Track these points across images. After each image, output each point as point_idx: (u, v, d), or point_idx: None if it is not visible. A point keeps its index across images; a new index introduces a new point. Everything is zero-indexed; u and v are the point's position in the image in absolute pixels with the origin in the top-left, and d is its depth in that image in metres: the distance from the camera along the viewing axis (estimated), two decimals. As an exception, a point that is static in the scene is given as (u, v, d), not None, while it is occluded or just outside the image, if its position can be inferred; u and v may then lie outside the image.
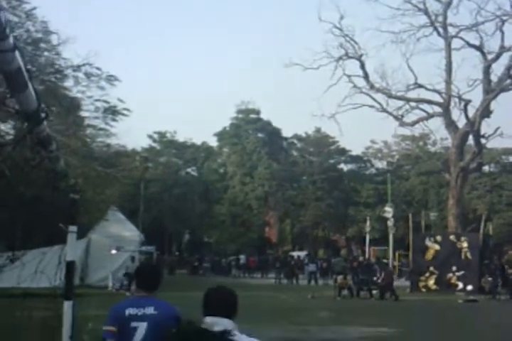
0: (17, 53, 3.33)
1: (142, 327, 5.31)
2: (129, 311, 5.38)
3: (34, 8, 29.10)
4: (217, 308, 4.37)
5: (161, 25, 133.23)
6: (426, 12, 48.39)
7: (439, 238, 38.70)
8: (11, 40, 3.18)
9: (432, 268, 37.44)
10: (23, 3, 28.78)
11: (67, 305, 6.91)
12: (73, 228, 7.22)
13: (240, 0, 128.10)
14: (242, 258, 58.34)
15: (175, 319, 5.33)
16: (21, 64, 3.48)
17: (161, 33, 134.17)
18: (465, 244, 37.36)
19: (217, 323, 4.26)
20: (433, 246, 38.10)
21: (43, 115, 4.31)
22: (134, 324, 5.32)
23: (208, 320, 4.32)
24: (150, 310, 5.37)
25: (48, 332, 7.45)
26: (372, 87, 50.22)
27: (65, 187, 7.06)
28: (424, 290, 37.17)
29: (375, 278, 34.89)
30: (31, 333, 8.54)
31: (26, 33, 28.82)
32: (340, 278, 34.59)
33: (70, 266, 7.05)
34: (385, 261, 47.36)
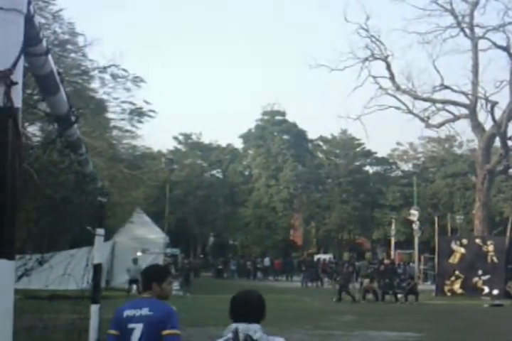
0: (49, 57, 3.32)
1: (138, 329, 5.38)
2: (127, 313, 5.48)
3: (61, 10, 29.22)
4: (245, 313, 4.34)
5: (187, 26, 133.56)
6: (452, 12, 48.11)
7: (464, 241, 38.26)
8: (44, 43, 3.17)
9: (457, 272, 37.05)
10: (50, 4, 28.89)
11: (94, 308, 6.92)
12: (101, 231, 7.23)
13: (264, 0, 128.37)
14: (266, 260, 58.30)
15: (171, 318, 5.38)
16: (53, 67, 3.47)
17: (188, 34, 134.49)
18: (491, 248, 36.94)
19: (245, 328, 4.23)
20: (459, 250, 37.69)
21: (73, 118, 4.29)
22: (130, 325, 5.42)
23: (235, 325, 4.29)
24: (145, 311, 5.44)
25: (75, 335, 7.46)
26: (398, 88, 50.05)
27: (92, 190, 7.07)
28: (449, 294, 36.79)
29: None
30: (58, 336, 8.57)
31: (53, 35, 28.93)
32: (366, 281, 34.46)
33: (98, 268, 7.06)
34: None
